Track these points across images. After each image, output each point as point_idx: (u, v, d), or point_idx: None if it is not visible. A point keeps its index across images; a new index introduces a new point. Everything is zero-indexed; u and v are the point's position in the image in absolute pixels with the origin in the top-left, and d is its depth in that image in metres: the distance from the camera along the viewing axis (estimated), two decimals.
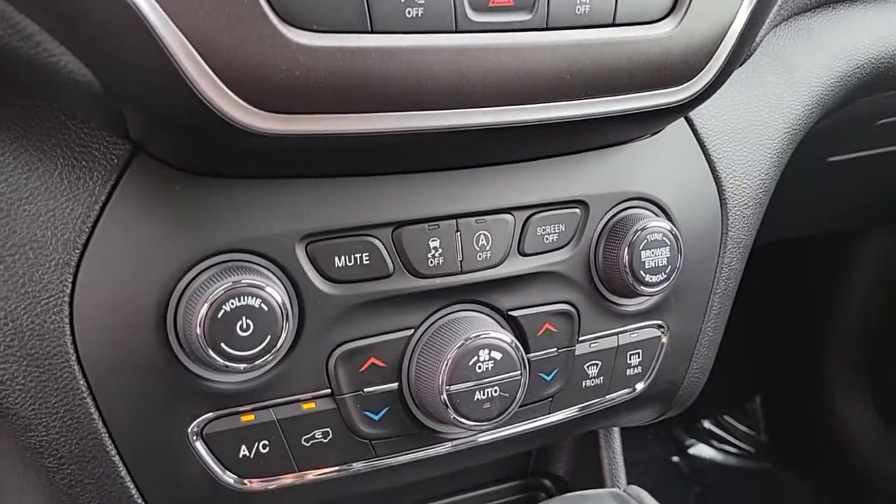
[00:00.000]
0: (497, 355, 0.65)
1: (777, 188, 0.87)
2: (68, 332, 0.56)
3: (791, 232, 1.65)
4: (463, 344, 0.64)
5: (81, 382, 0.56)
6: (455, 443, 0.70)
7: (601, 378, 0.75)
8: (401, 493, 0.90)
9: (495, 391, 0.65)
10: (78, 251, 0.55)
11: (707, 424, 2.33)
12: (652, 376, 0.78)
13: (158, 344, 0.57)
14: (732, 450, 2.28)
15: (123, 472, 0.59)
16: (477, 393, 0.64)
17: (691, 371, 0.82)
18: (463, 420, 0.64)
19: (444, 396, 0.63)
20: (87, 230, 0.56)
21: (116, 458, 0.59)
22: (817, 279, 2.12)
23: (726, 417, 2.35)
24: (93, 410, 0.57)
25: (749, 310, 2.30)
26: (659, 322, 0.77)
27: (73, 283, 0.55)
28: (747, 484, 2.16)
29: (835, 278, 2.06)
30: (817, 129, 0.94)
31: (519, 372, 0.66)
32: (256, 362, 0.57)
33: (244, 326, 0.56)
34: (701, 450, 2.27)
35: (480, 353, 0.64)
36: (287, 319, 0.58)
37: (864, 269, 2.00)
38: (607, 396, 0.76)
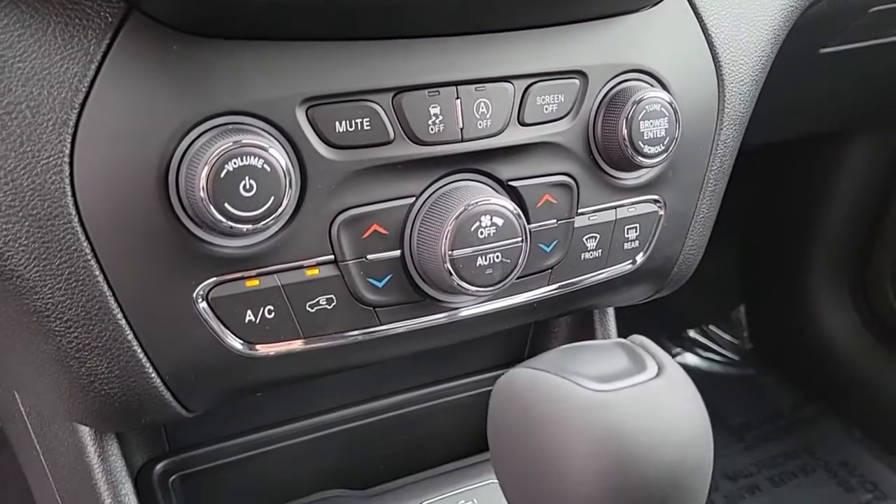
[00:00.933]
0: (499, 221, 0.65)
1: (769, 84, 0.86)
2: (69, 193, 0.55)
3: (780, 134, 1.65)
4: (465, 210, 0.64)
5: (85, 244, 0.56)
6: (457, 312, 0.71)
7: (599, 251, 0.76)
8: (398, 378, 0.92)
9: (497, 257, 0.66)
10: (76, 111, 0.55)
11: (692, 334, 2.38)
12: (649, 251, 0.79)
13: (161, 206, 0.57)
14: (717, 358, 2.34)
15: (130, 336, 0.60)
16: (479, 258, 0.65)
17: (686, 248, 0.83)
18: (465, 285, 0.65)
19: (447, 262, 0.64)
20: (83, 90, 0.55)
21: (123, 322, 0.59)
22: (802, 187, 2.14)
23: (711, 327, 2.40)
24: (97, 273, 0.57)
25: (734, 220, 2.33)
26: (656, 197, 0.77)
27: (73, 143, 0.55)
28: (731, 390, 2.22)
29: (819, 185, 2.08)
30: (811, 15, 0.93)
31: (520, 238, 0.66)
32: (260, 224, 0.57)
33: (247, 187, 0.56)
34: (686, 358, 2.32)
35: (482, 218, 0.64)
36: (290, 182, 0.58)
37: (848, 175, 2.02)
38: (605, 270, 0.77)
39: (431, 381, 0.94)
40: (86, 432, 0.71)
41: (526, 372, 0.51)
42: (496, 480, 0.86)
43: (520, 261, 0.67)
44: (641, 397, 0.48)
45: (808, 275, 2.19)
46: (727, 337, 2.38)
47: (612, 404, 0.47)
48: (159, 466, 0.81)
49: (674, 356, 2.31)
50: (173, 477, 0.82)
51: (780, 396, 2.21)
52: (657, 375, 0.49)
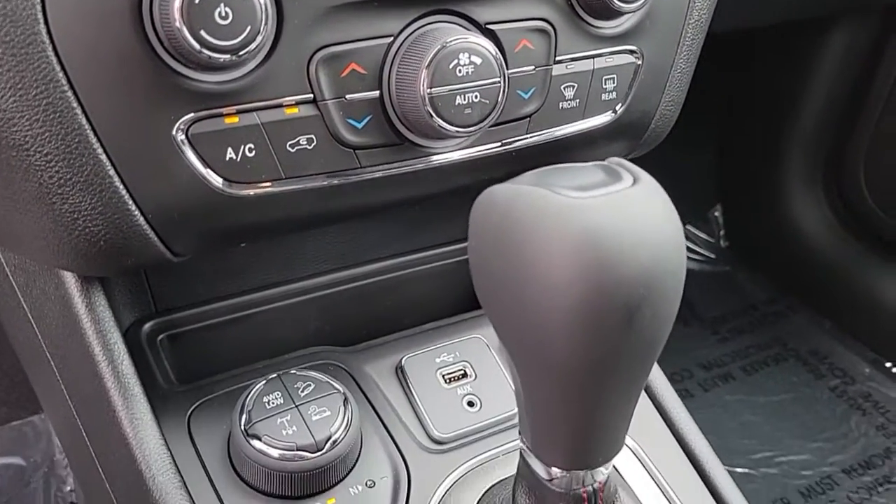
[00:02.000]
0: (477, 60, 0.65)
1: None
2: (41, 20, 0.54)
3: (760, 17, 1.64)
4: (443, 47, 0.64)
5: (60, 74, 0.56)
6: (437, 158, 0.71)
7: (577, 101, 0.76)
8: (381, 246, 0.93)
9: (475, 97, 0.66)
10: None
11: None
12: (626, 103, 0.79)
13: (135, 36, 0.56)
14: (694, 256, 2.38)
15: (111, 171, 0.60)
16: (458, 97, 0.65)
17: (663, 103, 0.84)
18: (444, 125, 0.65)
19: (426, 100, 0.64)
20: None
21: (103, 157, 0.59)
22: (777, 82, 2.14)
23: (689, 227, 2.43)
24: (74, 105, 0.57)
25: (710, 120, 2.33)
26: (633, 48, 0.77)
27: None
28: (707, 286, 2.27)
29: (795, 80, 2.08)
30: None
31: (498, 79, 0.67)
32: (238, 55, 0.57)
33: (223, 14, 0.56)
34: None
35: (461, 56, 0.64)
36: (266, 13, 0.57)
37: (825, 67, 2.02)
38: (583, 121, 0.78)
39: (415, 248, 0.95)
40: (72, 283, 0.71)
41: (505, 186, 0.52)
42: (479, 335, 0.89)
43: (498, 101, 0.67)
44: (618, 202, 0.49)
45: (783, 172, 2.21)
46: (704, 236, 2.41)
47: (590, 208, 0.48)
48: (147, 326, 0.83)
49: None
50: (161, 336, 0.83)
51: (753, 291, 2.26)
52: (633, 185, 0.51)
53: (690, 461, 0.82)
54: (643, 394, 0.85)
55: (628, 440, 0.80)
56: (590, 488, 0.60)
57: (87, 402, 0.78)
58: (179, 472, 0.71)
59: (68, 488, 1.54)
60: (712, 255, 2.37)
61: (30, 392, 1.13)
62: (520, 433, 0.61)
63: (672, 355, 1.56)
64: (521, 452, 0.62)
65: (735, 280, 2.30)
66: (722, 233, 2.41)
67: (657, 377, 0.88)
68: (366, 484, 0.73)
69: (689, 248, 2.38)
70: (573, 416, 0.55)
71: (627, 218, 0.48)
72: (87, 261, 0.64)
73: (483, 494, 0.74)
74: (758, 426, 1.83)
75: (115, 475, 0.79)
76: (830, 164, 2.17)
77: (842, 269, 2.14)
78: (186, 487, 0.70)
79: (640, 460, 0.80)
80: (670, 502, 0.78)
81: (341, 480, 0.73)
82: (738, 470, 1.69)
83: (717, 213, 2.42)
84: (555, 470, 0.59)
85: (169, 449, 0.72)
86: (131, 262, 0.65)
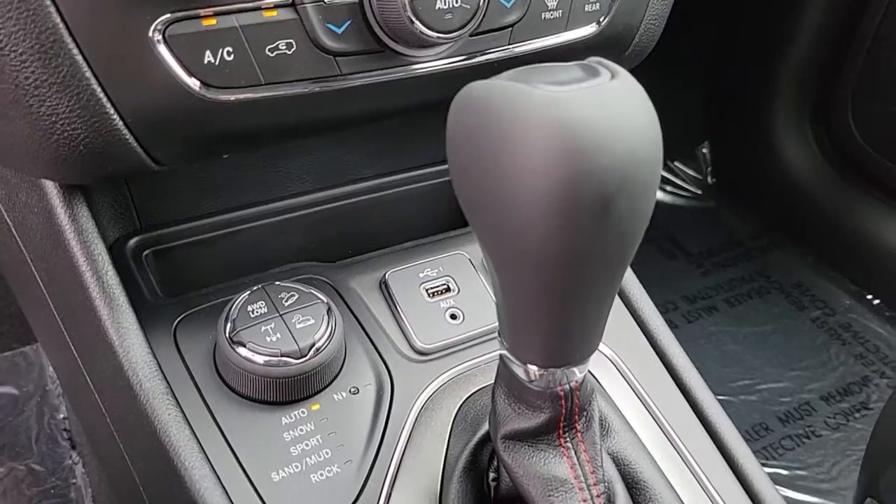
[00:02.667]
0: None
1: None
2: None
3: None
4: None
5: None
6: (417, 67, 0.71)
7: (560, 11, 0.75)
8: (365, 167, 0.93)
9: (456, 1, 0.66)
10: None
11: None
12: (610, 15, 0.79)
13: None
14: (681, 192, 2.39)
15: (88, 73, 0.59)
16: (438, 2, 0.65)
17: (648, 17, 0.83)
18: (425, 30, 0.65)
19: (407, 6, 0.64)
20: None
21: (79, 57, 0.58)
22: (768, 16, 2.12)
23: (676, 163, 2.43)
24: (48, 2, 0.56)
25: (700, 55, 2.32)
26: None
27: None
28: (693, 221, 2.29)
29: (786, 13, 2.06)
30: None
31: None
32: None
33: None
34: None
35: None
36: None
37: (816, 4, 2.00)
38: (566, 33, 0.77)
39: (400, 168, 0.95)
40: (54, 194, 0.71)
41: (482, 82, 0.52)
42: (462, 252, 0.90)
43: (479, 5, 0.67)
44: (595, 95, 0.49)
45: (772, 109, 2.21)
46: (691, 172, 2.42)
47: (567, 100, 0.48)
48: (132, 242, 0.83)
49: None
50: (146, 252, 0.83)
51: (739, 227, 2.28)
52: (611, 79, 0.51)
53: (670, 374, 0.84)
54: (624, 308, 0.87)
55: (608, 351, 0.82)
56: (566, 387, 0.62)
57: (73, 315, 0.79)
58: (166, 379, 0.72)
59: (61, 416, 1.56)
60: (699, 192, 2.38)
61: (21, 324, 1.14)
62: (499, 335, 0.63)
63: (657, 288, 1.58)
64: (500, 355, 0.64)
65: (721, 216, 2.32)
66: (709, 169, 2.41)
67: (640, 295, 0.89)
68: (349, 391, 0.75)
69: (675, 185, 2.39)
70: (549, 311, 0.56)
71: (604, 109, 0.48)
72: (68, 167, 0.64)
73: (464, 401, 0.76)
74: (739, 355, 1.86)
75: (104, 387, 0.81)
76: (819, 101, 2.17)
77: (827, 204, 2.15)
78: (173, 394, 0.71)
79: (620, 372, 0.81)
80: (650, 413, 0.80)
81: (326, 387, 0.74)
82: (719, 397, 1.73)
83: (704, 150, 2.42)
84: (532, 368, 0.60)
85: (156, 358, 0.73)
86: (112, 169, 0.65)
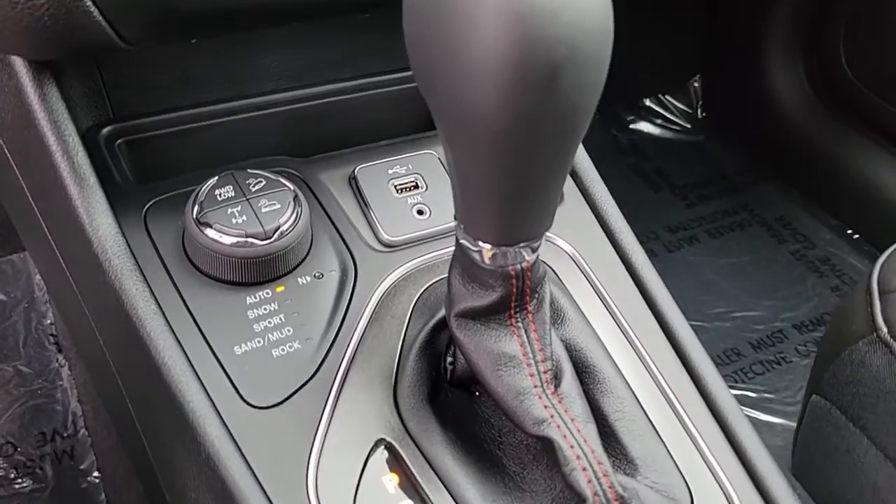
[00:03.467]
0: None
1: None
2: None
3: None
4: None
5: None
6: None
7: None
8: (340, 68, 0.94)
9: None
10: None
11: (648, 103, 2.41)
12: None
13: None
14: (670, 126, 2.39)
15: None
16: None
17: None
18: None
19: None
20: None
21: None
22: None
23: (667, 97, 2.43)
24: None
25: None
26: None
27: None
28: (680, 155, 2.30)
29: None
30: None
31: None
32: None
33: None
34: (640, 126, 2.37)
35: None
36: None
37: None
38: None
39: (375, 72, 0.96)
40: (24, 72, 0.72)
41: None
42: (432, 151, 0.92)
43: None
44: None
45: (763, 43, 2.20)
46: (681, 106, 2.42)
47: None
48: (105, 130, 0.84)
49: (628, 123, 2.36)
50: (119, 141, 0.85)
51: (725, 161, 2.29)
52: None
53: (631, 276, 0.86)
54: (585, 206, 0.88)
55: (567, 247, 0.84)
56: (518, 267, 0.64)
57: (47, 198, 0.81)
58: (136, 258, 0.74)
59: (48, 321, 1.59)
60: (688, 126, 2.38)
61: (9, 233, 1.16)
62: (455, 218, 0.65)
63: (639, 218, 1.60)
64: (456, 239, 0.66)
65: (709, 150, 2.33)
66: (699, 103, 2.41)
67: (603, 194, 0.90)
68: (314, 275, 0.77)
69: (664, 118, 2.39)
70: (499, 185, 0.58)
71: None
72: (33, 39, 0.65)
73: (425, 288, 0.78)
74: (716, 284, 1.89)
75: (77, 270, 0.83)
76: (812, 35, 2.15)
77: (815, 140, 2.16)
78: (142, 272, 0.73)
79: (579, 268, 0.84)
80: (607, 308, 0.82)
81: (291, 272, 0.77)
82: (693, 322, 1.76)
83: (696, 84, 2.41)
84: (485, 247, 0.63)
85: (126, 238, 0.75)
86: (78, 42, 0.66)
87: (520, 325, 0.67)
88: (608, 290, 0.81)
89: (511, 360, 0.66)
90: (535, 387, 0.66)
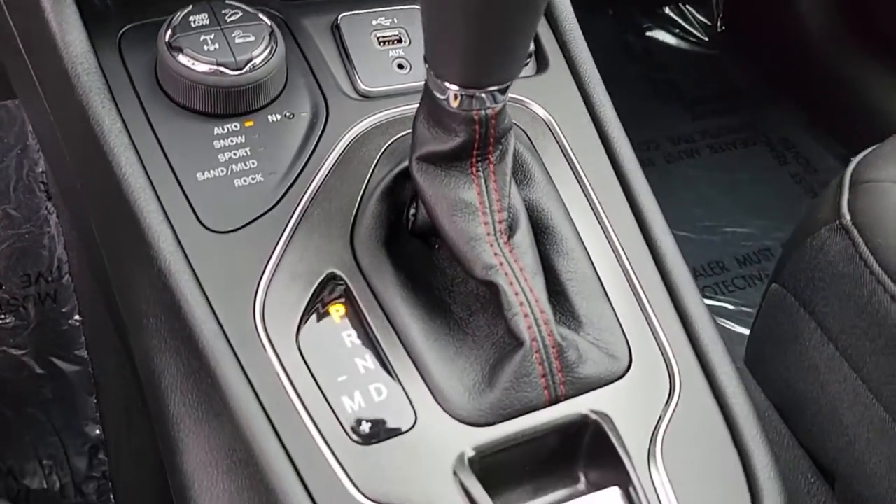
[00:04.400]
0: None
1: None
2: None
3: None
4: None
5: None
6: None
7: None
8: None
9: None
10: None
11: (667, 10, 2.34)
12: None
13: None
14: (687, 37, 2.33)
15: None
16: None
17: None
18: None
19: None
20: None
21: None
22: None
23: (687, 6, 2.36)
24: None
25: None
26: None
27: None
28: (694, 67, 2.24)
29: None
30: None
31: None
32: None
33: None
34: (655, 33, 2.31)
35: None
36: None
37: None
38: None
39: None
40: None
41: None
42: (418, 7, 0.89)
43: None
44: None
45: None
46: (701, 17, 2.35)
47: None
48: None
49: (644, 30, 2.30)
50: None
51: (739, 77, 2.24)
52: None
53: (608, 155, 0.85)
54: (568, 73, 0.87)
55: (544, 113, 0.83)
56: (482, 113, 0.63)
57: (24, 18, 0.80)
58: (107, 80, 0.74)
59: (39, 169, 1.60)
60: (706, 38, 2.32)
61: (2, 81, 1.15)
62: (424, 60, 0.64)
63: (642, 127, 1.59)
64: (424, 82, 0.65)
65: (724, 65, 2.27)
66: (720, 16, 2.34)
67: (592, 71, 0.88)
68: (284, 115, 0.77)
69: (682, 28, 2.33)
70: (464, 25, 0.57)
71: None
72: None
73: (395, 139, 0.78)
74: (711, 198, 1.88)
75: (51, 94, 0.83)
76: None
77: (834, 66, 2.10)
78: (111, 92, 0.73)
79: (554, 135, 0.83)
80: (576, 176, 0.81)
81: (261, 108, 0.76)
82: (681, 233, 1.77)
83: None
84: (451, 89, 0.62)
85: (98, 59, 0.74)
86: None
87: (480, 174, 0.67)
88: (579, 158, 0.81)
89: (467, 207, 0.67)
90: (488, 234, 0.66)
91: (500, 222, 0.67)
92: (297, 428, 0.60)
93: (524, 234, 0.68)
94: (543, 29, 0.91)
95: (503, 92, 0.63)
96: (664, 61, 2.22)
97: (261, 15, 0.77)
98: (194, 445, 0.63)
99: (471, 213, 0.66)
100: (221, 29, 0.74)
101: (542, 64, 0.89)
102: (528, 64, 0.89)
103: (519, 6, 0.57)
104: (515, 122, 0.82)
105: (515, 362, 0.63)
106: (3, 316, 1.41)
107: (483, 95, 0.63)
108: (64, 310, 1.44)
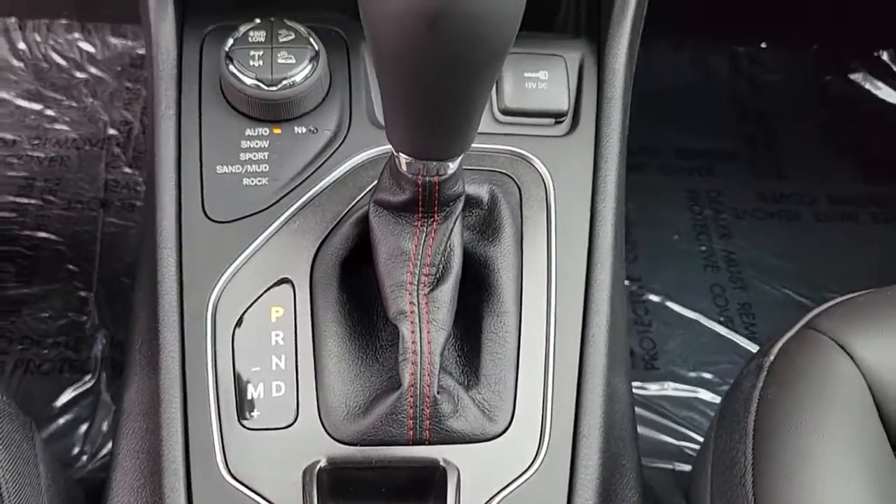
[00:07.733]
0: None
1: None
2: None
3: None
4: None
5: None
6: None
7: None
8: None
9: None
10: None
11: (884, 56, 2.13)
12: None
13: None
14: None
15: None
16: None
17: None
18: None
19: None
20: None
21: None
22: None
23: None
24: None
25: None
26: None
27: None
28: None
29: None
30: None
31: None
32: None
33: None
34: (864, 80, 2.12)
35: None
36: None
37: None
38: None
39: None
40: None
41: None
42: None
43: None
44: None
45: None
46: None
47: None
48: None
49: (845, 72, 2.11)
50: None
51: None
52: None
53: (591, 228, 0.87)
54: (590, 151, 0.89)
55: (547, 176, 0.87)
56: (425, 179, 0.71)
57: None
58: (180, 68, 0.89)
59: None
60: None
61: None
62: None
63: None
64: None
65: None
66: None
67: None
68: (310, 129, 0.88)
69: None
70: (404, 110, 0.64)
71: None
72: None
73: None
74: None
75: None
76: None
77: None
78: (180, 83, 0.88)
79: (546, 196, 0.87)
80: (548, 249, 0.85)
81: (293, 119, 0.88)
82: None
83: None
84: (402, 156, 0.70)
85: (181, 51, 0.89)
86: None
87: (423, 228, 0.75)
88: (559, 227, 0.84)
89: (402, 255, 0.75)
90: (410, 283, 0.74)
91: (427, 275, 0.75)
92: (202, 398, 0.74)
93: (447, 290, 0.75)
94: (589, 90, 0.93)
95: (453, 161, 0.70)
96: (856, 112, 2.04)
97: (312, 39, 0.87)
98: (134, 385, 0.79)
99: (403, 260, 0.75)
100: (271, 48, 0.86)
101: (573, 125, 0.92)
102: (563, 121, 0.93)
103: (451, 94, 0.63)
104: (515, 177, 0.88)
105: (390, 401, 0.72)
106: None
107: (431, 164, 0.70)
108: None
